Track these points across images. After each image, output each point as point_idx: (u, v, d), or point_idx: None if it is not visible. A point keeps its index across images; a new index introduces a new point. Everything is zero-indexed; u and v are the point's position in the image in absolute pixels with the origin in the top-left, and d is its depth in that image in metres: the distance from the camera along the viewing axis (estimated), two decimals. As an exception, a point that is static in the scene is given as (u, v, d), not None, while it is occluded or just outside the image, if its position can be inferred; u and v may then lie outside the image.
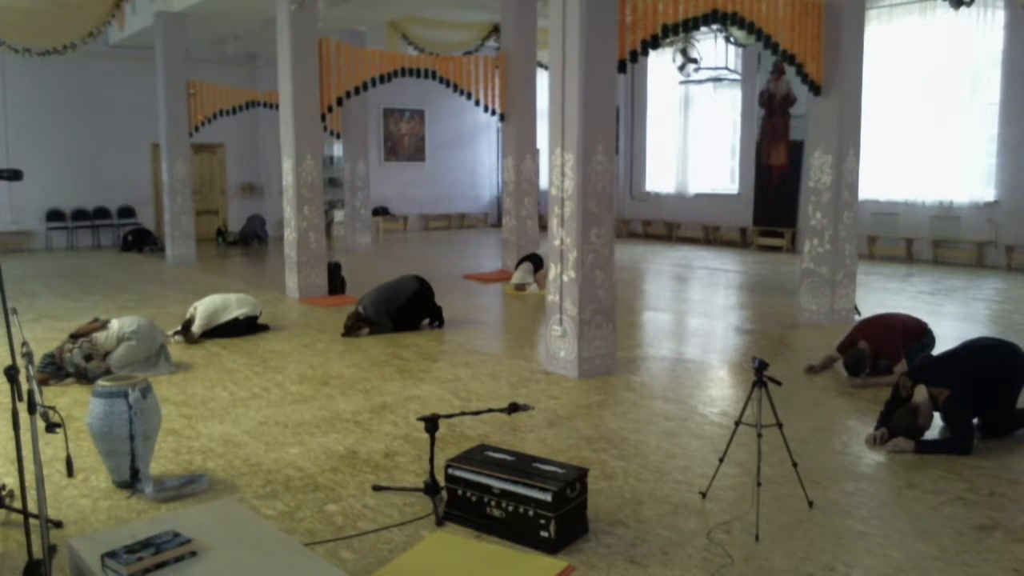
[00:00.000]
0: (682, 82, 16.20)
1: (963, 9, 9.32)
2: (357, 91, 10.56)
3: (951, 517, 3.73)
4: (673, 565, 3.30)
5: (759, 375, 3.67)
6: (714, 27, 11.06)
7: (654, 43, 6.51)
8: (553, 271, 6.32)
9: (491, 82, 11.67)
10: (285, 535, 3.14)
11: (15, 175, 3.01)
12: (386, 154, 19.52)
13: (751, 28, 7.26)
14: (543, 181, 13.26)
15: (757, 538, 3.49)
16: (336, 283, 10.35)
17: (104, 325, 6.48)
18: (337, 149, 18.24)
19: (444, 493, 3.76)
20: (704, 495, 3.96)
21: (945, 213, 12.80)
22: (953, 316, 8.55)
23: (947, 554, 3.38)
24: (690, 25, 6.76)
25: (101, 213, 16.47)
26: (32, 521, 3.34)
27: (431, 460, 3.91)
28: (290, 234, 10.12)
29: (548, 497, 3.37)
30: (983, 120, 12.30)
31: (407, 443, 4.78)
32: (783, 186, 14.92)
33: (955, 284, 10.71)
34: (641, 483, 4.16)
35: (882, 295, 9.84)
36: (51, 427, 3.14)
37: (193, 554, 2.79)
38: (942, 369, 4.79)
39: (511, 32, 11.61)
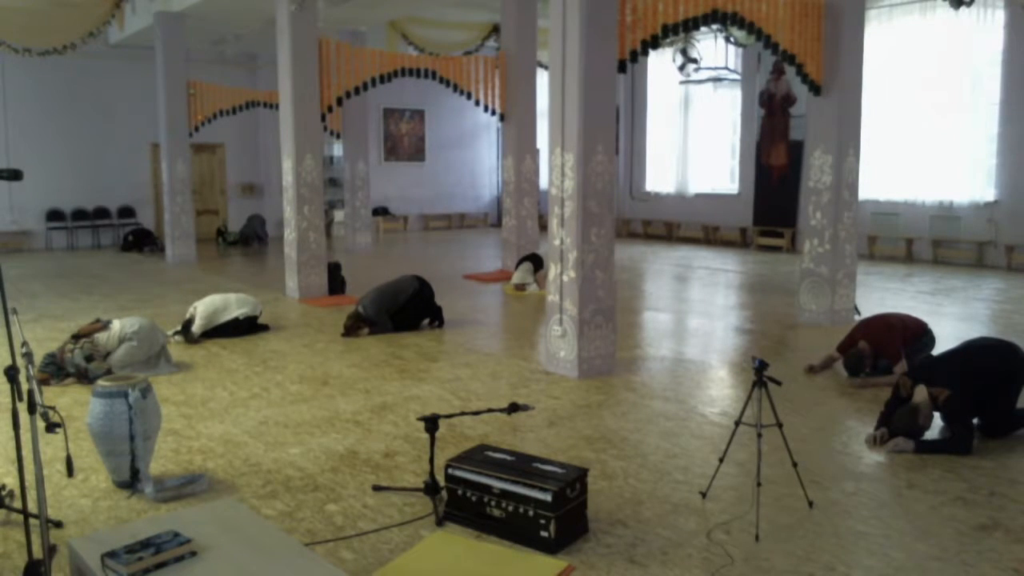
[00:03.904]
0: (682, 82, 16.20)
1: (963, 9, 9.31)
2: (357, 91, 10.55)
3: (951, 517, 3.73)
4: (673, 565, 3.31)
5: (759, 375, 3.67)
6: (714, 27, 11.05)
7: (654, 43, 6.51)
8: (553, 271, 6.31)
9: (491, 82, 11.66)
10: (285, 535, 3.13)
11: (15, 175, 3.01)
12: (386, 154, 19.52)
13: (751, 28, 7.26)
14: (543, 181, 13.26)
15: (757, 538, 3.50)
16: (336, 283, 10.34)
17: (106, 326, 6.49)
18: (337, 149, 18.24)
19: (444, 493, 3.76)
20: (704, 495, 3.96)
21: (945, 213, 12.80)
22: (953, 316, 8.55)
23: (947, 554, 3.38)
24: (690, 25, 6.76)
25: (101, 213, 16.46)
26: (32, 521, 3.34)
27: (431, 460, 3.91)
28: (290, 234, 10.12)
29: (548, 497, 3.37)
30: (983, 120, 12.30)
31: (407, 443, 4.78)
32: (783, 186, 14.92)
33: (955, 284, 10.71)
34: (641, 483, 4.16)
35: (882, 295, 9.84)
36: (51, 427, 3.14)
37: (193, 554, 2.78)
38: (942, 369, 4.79)
39: (511, 32, 11.61)
